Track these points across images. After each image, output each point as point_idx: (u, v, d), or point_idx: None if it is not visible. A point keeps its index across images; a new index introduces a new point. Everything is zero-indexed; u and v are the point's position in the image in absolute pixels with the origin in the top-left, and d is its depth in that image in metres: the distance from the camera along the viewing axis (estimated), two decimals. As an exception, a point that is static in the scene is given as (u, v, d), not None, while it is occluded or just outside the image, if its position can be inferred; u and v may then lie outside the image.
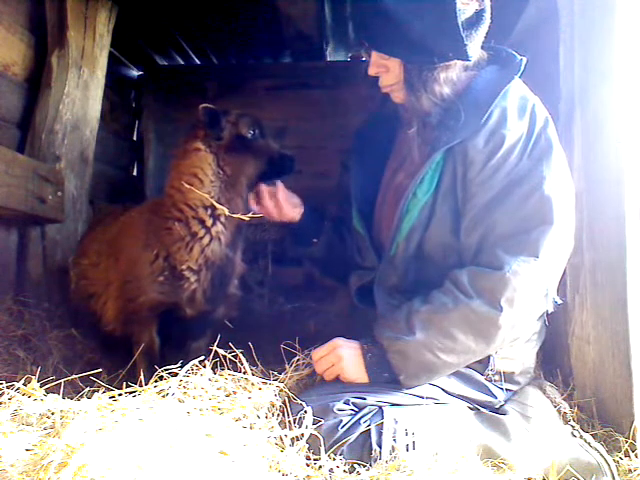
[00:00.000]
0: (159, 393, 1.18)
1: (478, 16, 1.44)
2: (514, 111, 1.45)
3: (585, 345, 1.66)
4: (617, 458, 1.38)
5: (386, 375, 1.42)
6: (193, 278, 1.79)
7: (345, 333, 1.51)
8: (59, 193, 2.33)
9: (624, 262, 1.54)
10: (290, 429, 1.23)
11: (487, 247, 1.42)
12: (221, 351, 1.39)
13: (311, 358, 1.51)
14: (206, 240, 1.78)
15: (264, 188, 1.83)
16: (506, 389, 1.54)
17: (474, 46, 1.46)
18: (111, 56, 2.77)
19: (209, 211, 1.77)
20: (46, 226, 2.38)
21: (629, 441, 1.44)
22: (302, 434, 1.21)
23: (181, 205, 1.78)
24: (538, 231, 1.38)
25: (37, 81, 2.40)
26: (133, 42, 3.23)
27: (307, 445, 1.21)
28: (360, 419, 1.32)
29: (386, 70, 1.52)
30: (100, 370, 1.47)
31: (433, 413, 1.39)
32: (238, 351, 1.41)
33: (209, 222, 1.77)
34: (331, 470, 1.16)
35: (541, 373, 1.74)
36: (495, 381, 1.51)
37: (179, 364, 1.30)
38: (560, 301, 1.47)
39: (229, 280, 1.91)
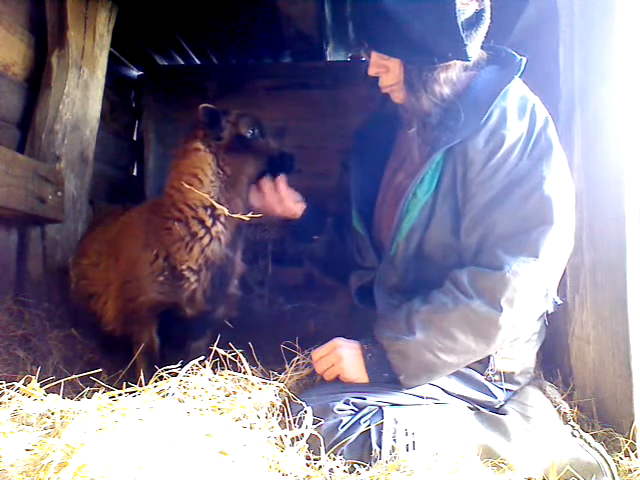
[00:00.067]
0: (159, 393, 1.18)
1: (478, 16, 1.44)
2: (514, 111, 1.45)
3: (585, 345, 1.66)
4: (617, 458, 1.38)
5: (386, 375, 1.42)
6: (193, 278, 1.79)
7: (345, 333, 1.51)
8: (59, 193, 2.33)
9: (624, 262, 1.54)
10: (290, 429, 1.23)
11: (487, 247, 1.42)
12: (221, 351, 1.39)
13: (311, 358, 1.51)
14: (206, 240, 1.78)
15: (267, 182, 1.83)
16: (506, 389, 1.54)
17: (474, 46, 1.46)
18: (111, 56, 2.77)
19: (209, 211, 1.77)
20: (46, 226, 2.38)
21: (629, 441, 1.44)
22: (302, 434, 1.21)
23: (181, 205, 1.78)
24: (538, 231, 1.38)
25: (37, 81, 2.40)
26: (133, 42, 3.23)
27: (307, 445, 1.21)
28: (360, 419, 1.32)
29: (386, 70, 1.52)
30: (100, 370, 1.47)
31: (433, 413, 1.39)
32: (238, 351, 1.41)
33: (209, 222, 1.77)
34: (331, 470, 1.16)
35: (541, 373, 1.74)
36: (495, 381, 1.51)
37: (179, 364, 1.30)
38: (560, 301, 1.48)
39: (229, 280, 1.91)
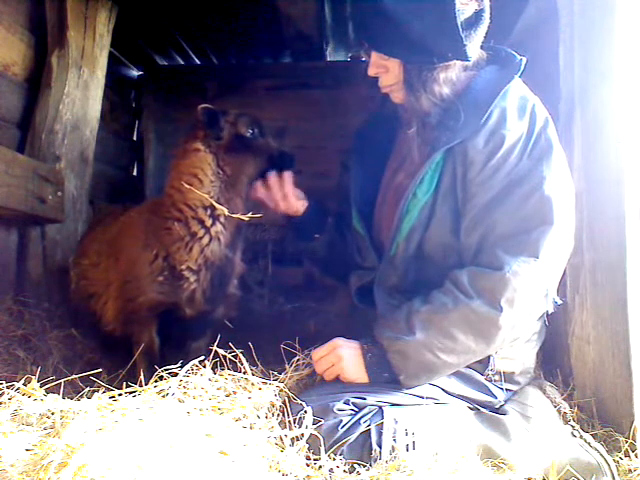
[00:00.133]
0: (159, 393, 1.18)
1: (477, 16, 1.44)
2: (514, 111, 1.45)
3: (585, 345, 1.66)
4: (617, 458, 1.38)
5: (386, 375, 1.42)
6: (192, 278, 1.79)
7: (345, 333, 1.51)
8: (59, 193, 2.33)
9: (624, 262, 1.54)
10: (290, 429, 1.23)
11: (487, 247, 1.42)
12: (221, 351, 1.39)
13: (311, 358, 1.51)
14: (205, 240, 1.78)
15: (274, 176, 1.82)
16: (506, 389, 1.54)
17: (473, 46, 1.46)
18: (111, 56, 2.77)
19: (208, 211, 1.77)
20: (46, 226, 2.38)
21: (629, 441, 1.44)
22: (302, 434, 1.21)
23: (180, 205, 1.78)
24: (538, 231, 1.37)
25: (37, 81, 2.40)
26: (133, 42, 3.23)
27: (307, 445, 1.20)
28: (360, 419, 1.32)
29: (386, 70, 1.52)
30: (100, 370, 1.47)
31: (433, 413, 1.39)
32: (238, 351, 1.41)
33: (208, 222, 1.77)
34: (331, 470, 1.16)
35: (541, 373, 1.74)
36: (495, 381, 1.51)
37: (179, 364, 1.30)
38: (560, 301, 1.47)
39: (228, 280, 1.91)
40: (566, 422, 1.51)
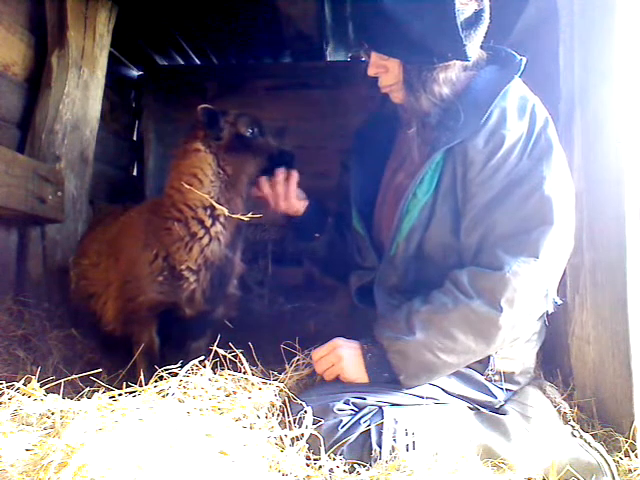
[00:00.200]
0: (159, 393, 1.18)
1: (477, 16, 1.44)
2: (514, 111, 1.45)
3: (585, 345, 1.66)
4: (617, 458, 1.38)
5: (386, 375, 1.42)
6: (192, 278, 1.79)
7: (345, 333, 1.51)
8: (59, 193, 2.33)
9: (624, 262, 1.54)
10: (290, 429, 1.23)
11: (487, 247, 1.42)
12: (221, 351, 1.39)
13: (311, 358, 1.51)
14: (205, 240, 1.78)
15: (282, 173, 1.80)
16: (506, 389, 1.54)
17: (473, 46, 1.46)
18: (111, 56, 2.77)
19: (208, 211, 1.77)
20: (46, 226, 2.38)
21: (629, 441, 1.44)
22: (302, 434, 1.21)
23: (180, 205, 1.78)
24: (538, 231, 1.37)
25: (37, 81, 2.40)
26: (133, 42, 3.23)
27: (307, 445, 1.20)
28: (360, 419, 1.32)
29: (385, 70, 1.52)
30: (100, 370, 1.47)
31: (433, 413, 1.39)
32: (238, 351, 1.41)
33: (208, 222, 1.77)
34: (331, 470, 1.16)
35: (541, 373, 1.74)
36: (495, 381, 1.51)
37: (179, 364, 1.30)
38: (560, 301, 1.47)
39: (228, 280, 1.91)
40: (566, 422, 1.51)
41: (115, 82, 3.20)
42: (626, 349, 1.52)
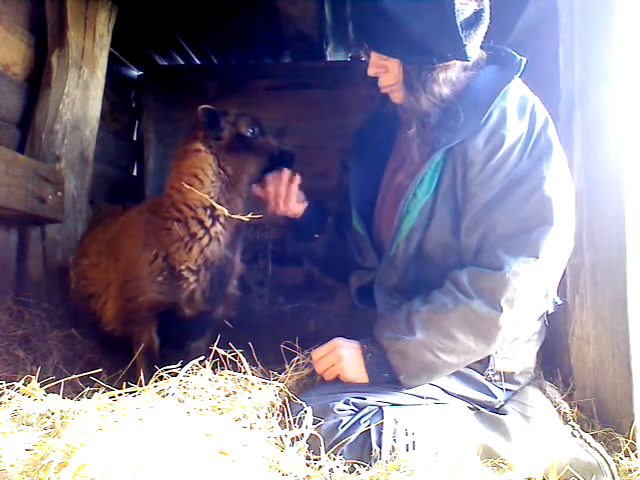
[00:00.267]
0: (159, 393, 1.18)
1: (477, 16, 1.44)
2: (514, 111, 1.45)
3: (585, 345, 1.66)
4: (617, 458, 1.38)
5: (386, 375, 1.42)
6: (192, 278, 1.79)
7: (345, 333, 1.51)
8: (59, 193, 2.33)
9: (624, 262, 1.54)
10: (290, 429, 1.23)
11: (487, 247, 1.42)
12: (221, 351, 1.39)
13: (311, 358, 1.51)
14: (205, 240, 1.78)
15: (285, 174, 1.79)
16: (506, 389, 1.54)
17: (473, 46, 1.46)
18: (111, 56, 2.77)
19: (208, 212, 1.77)
20: (46, 226, 2.38)
21: (629, 441, 1.44)
22: (302, 434, 1.21)
23: (180, 205, 1.78)
24: (538, 231, 1.37)
25: (37, 81, 2.40)
26: (133, 42, 3.23)
27: (307, 445, 1.20)
28: (360, 419, 1.32)
29: (385, 70, 1.52)
30: (100, 370, 1.47)
31: (433, 413, 1.39)
32: (238, 351, 1.41)
33: (208, 222, 1.77)
34: (331, 470, 1.16)
35: (541, 373, 1.74)
36: (495, 381, 1.51)
37: (179, 364, 1.30)
38: (560, 301, 1.47)
39: (228, 280, 1.91)
40: (566, 422, 1.51)
41: (115, 82, 3.20)
42: (626, 349, 1.52)
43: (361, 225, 1.71)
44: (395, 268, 1.57)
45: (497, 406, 1.52)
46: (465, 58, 1.45)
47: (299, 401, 1.32)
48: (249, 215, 1.73)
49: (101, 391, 1.17)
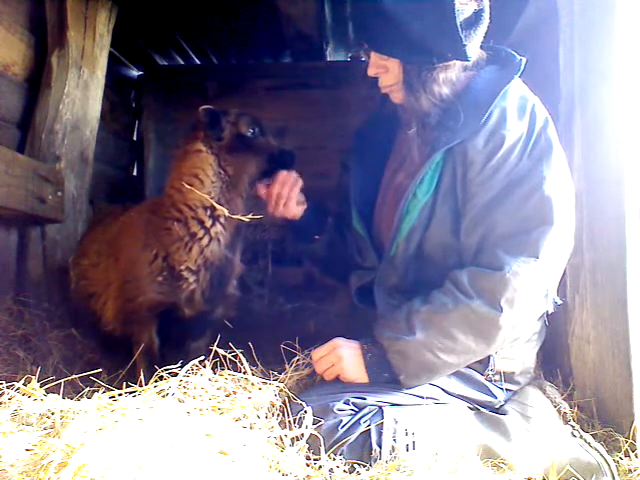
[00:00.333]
0: (159, 393, 1.18)
1: (477, 16, 1.44)
2: (514, 111, 1.45)
3: (585, 345, 1.66)
4: (617, 458, 1.38)
5: (386, 375, 1.42)
6: (192, 278, 1.79)
7: (345, 333, 1.51)
8: (59, 193, 2.33)
9: (624, 262, 1.54)
10: (290, 429, 1.23)
11: (487, 247, 1.42)
12: (221, 351, 1.39)
13: (311, 358, 1.51)
14: (205, 241, 1.78)
15: (291, 176, 1.77)
16: (506, 389, 1.54)
17: (473, 46, 1.46)
18: (111, 56, 2.77)
19: (208, 212, 1.77)
20: (46, 226, 2.38)
21: (629, 441, 1.44)
22: (302, 434, 1.21)
23: (180, 205, 1.78)
24: (538, 231, 1.37)
25: (37, 81, 2.40)
26: (133, 42, 3.23)
27: (307, 445, 1.20)
28: (360, 419, 1.32)
29: (385, 71, 1.52)
30: (100, 370, 1.47)
31: (433, 413, 1.39)
32: (238, 351, 1.41)
33: (208, 223, 1.77)
34: (331, 470, 1.16)
35: (541, 373, 1.74)
36: (495, 381, 1.51)
37: (179, 364, 1.30)
38: (560, 301, 1.47)
39: (228, 281, 1.91)
40: (566, 422, 1.51)
41: (115, 82, 3.20)
42: (626, 349, 1.53)
43: (361, 225, 1.71)
44: (395, 268, 1.57)
45: (497, 406, 1.52)
46: (465, 58, 1.45)
47: (299, 401, 1.32)
48: (249, 215, 1.73)
49: (101, 391, 1.17)
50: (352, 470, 1.20)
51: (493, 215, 1.41)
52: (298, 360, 1.53)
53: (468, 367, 1.48)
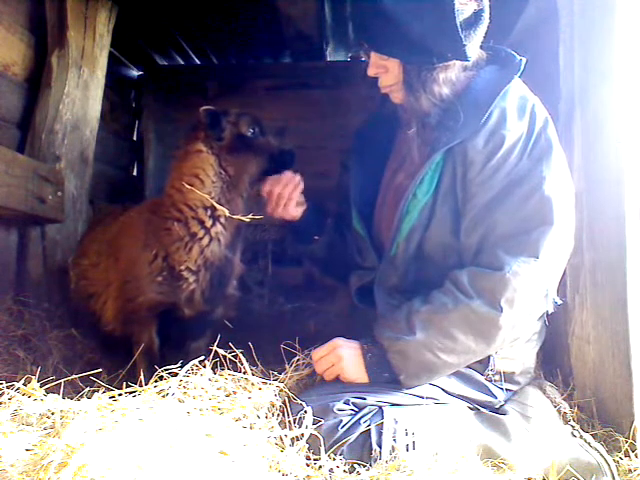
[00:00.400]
0: (159, 393, 1.18)
1: (477, 16, 1.44)
2: (514, 111, 1.45)
3: (585, 345, 1.66)
4: (617, 458, 1.38)
5: (386, 375, 1.42)
6: (192, 278, 1.79)
7: (345, 333, 1.51)
8: (59, 193, 2.33)
9: (624, 262, 1.54)
10: (290, 429, 1.23)
11: (487, 247, 1.42)
12: (221, 351, 1.39)
13: (311, 358, 1.51)
14: (205, 241, 1.78)
15: (294, 177, 1.77)
16: (506, 389, 1.54)
17: (473, 46, 1.46)
18: (111, 56, 2.77)
19: (209, 212, 1.77)
20: (46, 226, 2.38)
21: (629, 441, 1.44)
22: (302, 434, 1.21)
23: (180, 205, 1.78)
24: (538, 232, 1.37)
25: (37, 81, 2.40)
26: (133, 42, 3.23)
27: (307, 445, 1.21)
28: (360, 419, 1.32)
29: (385, 71, 1.52)
30: (100, 370, 1.47)
31: (433, 413, 1.39)
32: (238, 351, 1.41)
33: (208, 223, 1.77)
34: (331, 470, 1.16)
35: (541, 373, 1.74)
36: (495, 381, 1.51)
37: (179, 364, 1.30)
38: (560, 301, 1.47)
39: (228, 281, 1.91)
40: (566, 422, 1.51)
41: (115, 82, 3.20)
42: (626, 349, 1.52)
43: (361, 225, 1.71)
44: (395, 268, 1.57)
45: (497, 406, 1.52)
46: (465, 58, 1.45)
47: (299, 401, 1.32)
48: (249, 215, 1.73)
49: (101, 391, 1.17)
50: (352, 470, 1.20)
51: (493, 215, 1.41)
52: (298, 360, 1.53)
53: (468, 367, 1.48)
